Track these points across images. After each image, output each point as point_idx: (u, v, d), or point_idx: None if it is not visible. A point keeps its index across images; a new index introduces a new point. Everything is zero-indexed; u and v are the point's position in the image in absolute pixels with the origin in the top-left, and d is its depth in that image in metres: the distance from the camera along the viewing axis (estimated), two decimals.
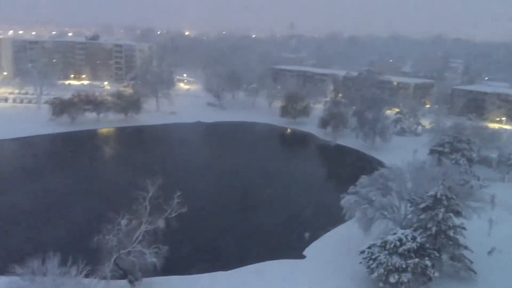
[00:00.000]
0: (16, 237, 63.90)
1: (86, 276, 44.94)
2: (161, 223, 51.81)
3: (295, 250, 63.50)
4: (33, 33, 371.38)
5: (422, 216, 56.40)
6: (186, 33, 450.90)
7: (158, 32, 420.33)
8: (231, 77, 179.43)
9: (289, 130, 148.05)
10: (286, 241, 66.78)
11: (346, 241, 65.43)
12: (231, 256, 61.32)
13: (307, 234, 67.77)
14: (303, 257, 62.54)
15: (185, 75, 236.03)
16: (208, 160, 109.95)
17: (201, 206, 74.32)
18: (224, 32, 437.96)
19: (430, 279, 51.96)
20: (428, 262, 51.66)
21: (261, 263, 59.47)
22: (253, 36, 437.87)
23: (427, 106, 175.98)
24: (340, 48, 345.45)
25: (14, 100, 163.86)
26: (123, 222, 50.91)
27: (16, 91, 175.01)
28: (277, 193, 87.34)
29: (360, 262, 54.91)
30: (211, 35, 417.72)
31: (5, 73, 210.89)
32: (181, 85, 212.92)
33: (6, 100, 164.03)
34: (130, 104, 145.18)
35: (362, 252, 55.19)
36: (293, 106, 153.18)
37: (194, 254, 61.13)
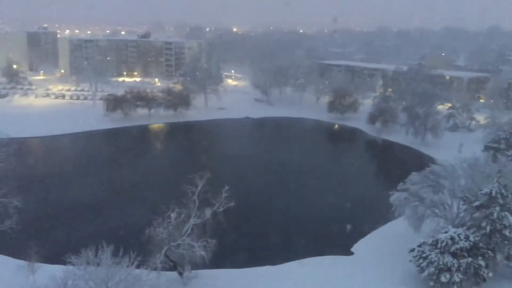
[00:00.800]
0: (76, 227, 66.85)
1: (137, 267, 46.39)
2: (209, 216, 52.76)
3: (342, 247, 62.92)
4: (88, 32, 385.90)
5: (476, 215, 54.44)
6: (234, 29, 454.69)
7: (207, 29, 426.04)
8: (278, 73, 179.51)
9: (336, 126, 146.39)
10: (334, 237, 66.25)
11: (395, 239, 64.14)
12: (278, 251, 61.53)
13: (355, 231, 67.03)
14: (350, 253, 61.91)
15: (233, 71, 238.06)
16: (256, 155, 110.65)
17: (249, 201, 74.97)
18: (271, 28, 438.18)
19: (483, 279, 50.17)
20: (481, 262, 49.89)
21: (308, 259, 59.35)
22: (301, 31, 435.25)
23: (482, 100, 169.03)
24: (389, 42, 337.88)
25: (71, 97, 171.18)
26: (173, 215, 52.17)
27: (73, 88, 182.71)
28: (325, 188, 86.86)
29: (410, 261, 53.73)
30: (259, 31, 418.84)
31: (62, 71, 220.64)
32: (229, 81, 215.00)
33: (63, 96, 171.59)
34: (180, 100, 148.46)
35: (412, 250, 53.97)
36: (340, 102, 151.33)
37: (242, 248, 61.73)
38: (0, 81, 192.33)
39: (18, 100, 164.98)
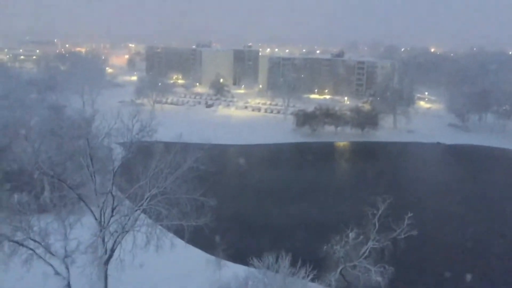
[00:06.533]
0: (259, 233, 71.45)
1: (312, 280, 47.21)
2: (388, 242, 50.93)
3: None
4: (287, 50, 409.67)
5: None
6: (432, 49, 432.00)
7: (402, 49, 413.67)
8: (479, 97, 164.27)
9: None
10: None
11: None
12: None
13: None
14: None
15: (426, 93, 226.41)
16: (446, 184, 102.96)
17: (435, 232, 70.23)
18: (474, 49, 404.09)
19: None
20: None
21: None
22: (510, 53, 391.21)
23: None
24: None
25: (266, 110, 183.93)
26: (351, 235, 51.77)
27: (268, 102, 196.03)
28: None
29: None
30: (459, 52, 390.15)
31: (260, 86, 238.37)
32: (421, 103, 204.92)
33: (259, 109, 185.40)
34: (367, 120, 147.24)
35: None
36: None
37: (423, 280, 58.02)
38: (209, 92, 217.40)
39: (221, 111, 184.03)
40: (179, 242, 51.81)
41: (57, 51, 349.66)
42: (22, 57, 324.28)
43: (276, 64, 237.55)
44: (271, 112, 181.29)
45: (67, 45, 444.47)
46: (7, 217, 45.01)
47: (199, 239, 57.53)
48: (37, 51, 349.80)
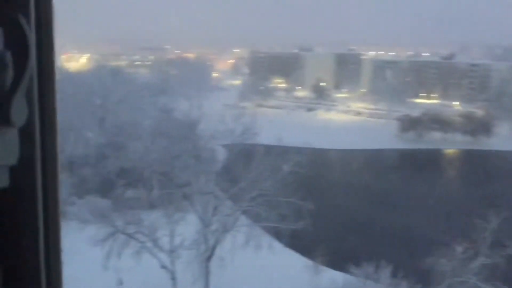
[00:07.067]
0: (360, 239, 69.88)
1: None
2: (502, 259, 46.99)
3: None
4: (392, 53, 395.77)
5: None
6: None
7: None
8: None
9: None
10: None
11: None
12: None
13: None
14: None
15: None
16: None
17: None
18: None
19: None
20: None
21: None
22: None
23: None
24: None
25: (368, 115, 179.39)
26: (459, 248, 48.60)
27: (371, 106, 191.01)
28: None
29: None
30: None
31: (362, 90, 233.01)
32: None
33: (361, 114, 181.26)
34: (480, 126, 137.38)
35: None
36: None
37: None
38: (309, 96, 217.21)
39: (322, 115, 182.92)
40: (277, 245, 52.33)
41: (168, 57, 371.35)
42: (137, 62, 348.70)
43: (380, 67, 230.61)
44: (374, 116, 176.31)
45: (177, 51, 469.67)
46: (120, 211, 48.77)
47: (297, 242, 57.70)
48: (151, 57, 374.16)
